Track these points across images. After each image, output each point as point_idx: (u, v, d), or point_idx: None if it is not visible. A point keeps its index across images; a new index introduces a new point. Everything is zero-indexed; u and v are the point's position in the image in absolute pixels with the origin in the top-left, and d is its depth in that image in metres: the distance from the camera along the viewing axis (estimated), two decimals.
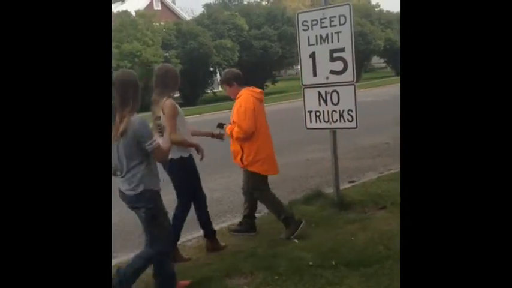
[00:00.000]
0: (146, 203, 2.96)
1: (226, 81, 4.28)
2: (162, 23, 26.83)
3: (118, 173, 3.01)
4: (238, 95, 4.18)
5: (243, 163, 4.18)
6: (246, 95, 4.14)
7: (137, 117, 2.90)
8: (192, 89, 26.37)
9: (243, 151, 4.14)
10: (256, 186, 4.27)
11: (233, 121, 4.12)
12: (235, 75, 4.29)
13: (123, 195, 3.01)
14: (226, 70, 4.49)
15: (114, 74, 2.90)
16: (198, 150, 3.93)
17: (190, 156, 3.90)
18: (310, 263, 3.49)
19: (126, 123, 2.83)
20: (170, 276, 3.16)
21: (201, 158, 3.95)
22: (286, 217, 4.21)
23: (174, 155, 3.66)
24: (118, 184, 3.01)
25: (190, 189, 3.95)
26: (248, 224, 4.48)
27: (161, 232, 3.08)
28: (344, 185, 5.68)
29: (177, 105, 3.74)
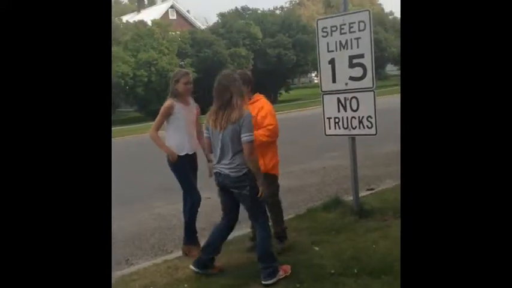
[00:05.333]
0: (250, 181, 3.37)
1: (247, 83, 3.88)
2: (177, 32, 27.10)
3: (216, 159, 3.47)
4: (253, 100, 3.96)
5: (266, 167, 3.84)
6: (263, 99, 4.01)
7: (248, 110, 3.42)
8: (207, 96, 26.48)
9: (264, 155, 3.85)
10: (274, 191, 4.05)
11: (260, 125, 3.83)
12: (251, 79, 4.04)
13: (227, 177, 3.41)
14: (242, 71, 4.14)
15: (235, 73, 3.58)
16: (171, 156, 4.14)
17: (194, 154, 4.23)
18: (332, 271, 3.43)
19: (241, 112, 3.29)
20: (272, 253, 3.50)
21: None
22: (283, 229, 4.11)
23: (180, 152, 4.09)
24: (215, 169, 3.49)
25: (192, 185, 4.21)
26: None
27: (262, 207, 3.53)
28: (362, 193, 5.61)
29: (174, 107, 4.08)
